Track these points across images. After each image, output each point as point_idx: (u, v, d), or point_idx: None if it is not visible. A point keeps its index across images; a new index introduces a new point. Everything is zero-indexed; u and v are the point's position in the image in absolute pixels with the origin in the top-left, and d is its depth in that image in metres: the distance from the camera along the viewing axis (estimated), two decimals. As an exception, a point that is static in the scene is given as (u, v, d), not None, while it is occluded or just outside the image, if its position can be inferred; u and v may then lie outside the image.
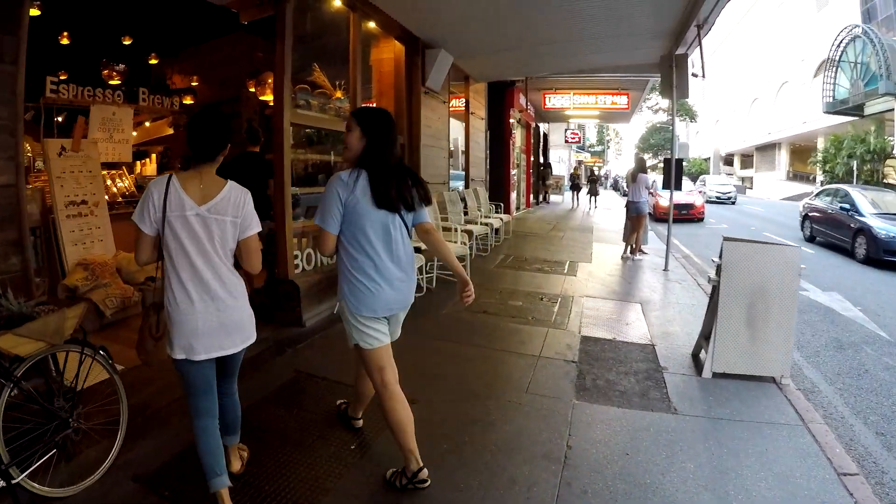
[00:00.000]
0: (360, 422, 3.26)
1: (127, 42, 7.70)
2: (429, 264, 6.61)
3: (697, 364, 4.38)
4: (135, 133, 8.44)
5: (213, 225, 2.29)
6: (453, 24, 7.09)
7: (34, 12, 6.16)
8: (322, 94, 6.37)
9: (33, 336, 2.60)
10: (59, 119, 6.15)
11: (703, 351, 4.39)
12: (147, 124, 8.52)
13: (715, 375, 4.12)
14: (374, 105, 7.52)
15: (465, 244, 7.43)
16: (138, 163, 9.09)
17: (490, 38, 7.88)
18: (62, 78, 6.22)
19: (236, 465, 2.77)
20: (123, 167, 7.17)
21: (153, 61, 8.73)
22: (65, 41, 7.12)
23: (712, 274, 4.32)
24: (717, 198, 27.13)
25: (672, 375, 4.19)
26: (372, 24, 6.78)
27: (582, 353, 4.62)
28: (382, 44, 7.58)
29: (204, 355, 2.31)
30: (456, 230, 7.49)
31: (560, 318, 5.66)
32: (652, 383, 4.04)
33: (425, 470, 2.64)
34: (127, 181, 7.09)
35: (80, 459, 2.79)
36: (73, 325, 2.82)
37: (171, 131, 8.02)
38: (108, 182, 6.93)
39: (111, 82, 7.05)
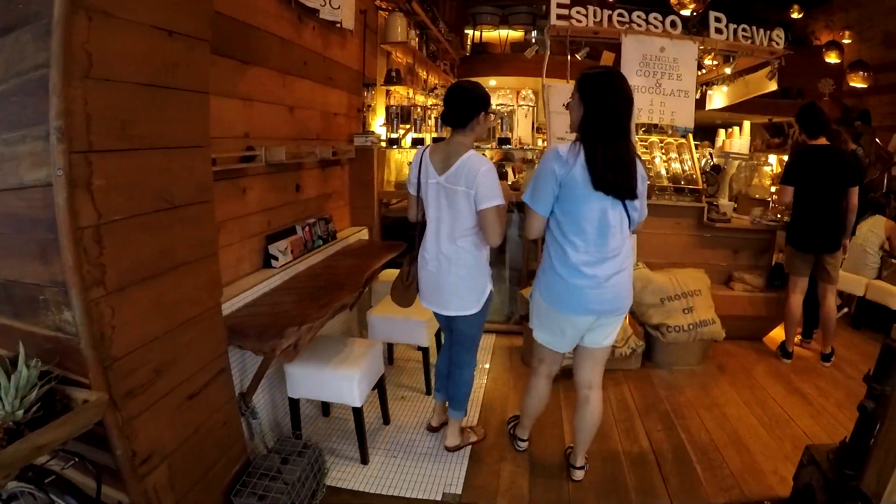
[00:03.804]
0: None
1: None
2: None
3: None
4: (724, 89, 5.87)
5: (450, 195, 2.49)
6: None
7: None
8: None
9: None
10: (578, 56, 4.38)
11: None
12: (744, 75, 5.60)
13: None
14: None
15: None
16: (722, 131, 6.52)
17: None
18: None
19: (451, 440, 2.90)
20: (688, 137, 4.88)
21: (796, 14, 8.11)
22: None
23: None
24: None
25: None
26: None
27: None
28: None
29: (426, 305, 2.74)
30: None
31: None
32: None
33: (528, 442, 2.96)
34: (690, 159, 4.78)
35: None
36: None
37: (773, 86, 4.99)
38: (671, 155, 4.82)
39: (682, 11, 4.75)
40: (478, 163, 2.43)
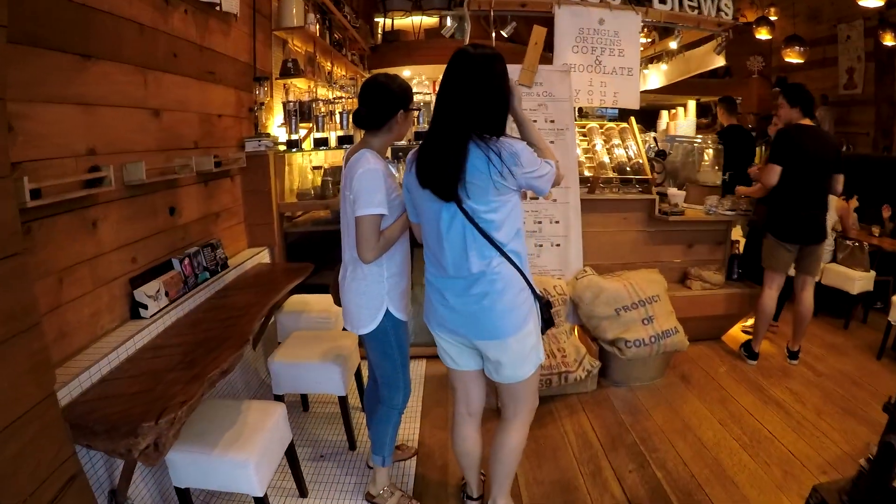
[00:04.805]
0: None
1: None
2: None
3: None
4: (663, 67, 5.67)
5: (346, 201, 2.28)
6: None
7: None
8: None
9: None
10: (504, 33, 4.00)
11: None
12: (684, 52, 5.41)
13: None
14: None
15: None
16: (665, 113, 6.40)
17: None
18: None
19: (371, 487, 2.63)
20: (630, 120, 4.61)
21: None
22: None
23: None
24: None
25: None
26: None
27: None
28: None
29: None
30: None
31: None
32: None
33: (480, 501, 2.55)
34: (635, 145, 4.50)
35: None
36: None
37: (720, 62, 4.84)
38: (614, 142, 4.53)
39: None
40: (358, 163, 2.19)
